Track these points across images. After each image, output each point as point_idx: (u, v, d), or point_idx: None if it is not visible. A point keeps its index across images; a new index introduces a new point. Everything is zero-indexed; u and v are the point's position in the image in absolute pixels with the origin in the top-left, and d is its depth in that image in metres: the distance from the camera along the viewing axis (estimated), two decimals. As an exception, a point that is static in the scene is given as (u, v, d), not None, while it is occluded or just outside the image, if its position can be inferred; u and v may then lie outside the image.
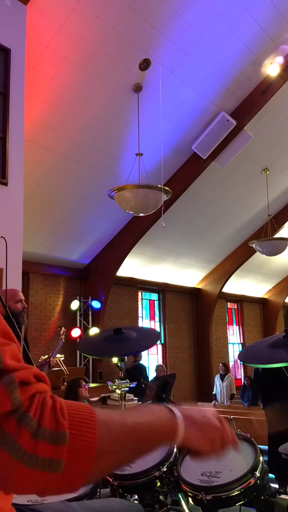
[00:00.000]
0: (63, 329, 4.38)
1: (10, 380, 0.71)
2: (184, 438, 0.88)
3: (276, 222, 10.29)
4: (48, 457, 0.70)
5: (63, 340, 4.24)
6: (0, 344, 0.76)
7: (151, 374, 9.44)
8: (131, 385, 2.42)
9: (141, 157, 6.59)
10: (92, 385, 7.76)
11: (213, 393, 10.10)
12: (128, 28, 5.86)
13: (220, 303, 13.21)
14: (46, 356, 3.95)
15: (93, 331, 8.67)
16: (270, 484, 1.83)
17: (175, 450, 1.94)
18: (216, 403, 9.81)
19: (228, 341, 13.81)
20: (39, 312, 8.51)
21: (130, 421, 0.82)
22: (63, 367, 6.22)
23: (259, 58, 7.11)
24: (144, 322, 11.07)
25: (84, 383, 4.79)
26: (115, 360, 2.35)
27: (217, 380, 10.09)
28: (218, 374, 10.08)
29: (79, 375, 6.19)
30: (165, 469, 1.86)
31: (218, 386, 9.98)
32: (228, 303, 14.20)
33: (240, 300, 14.62)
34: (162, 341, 11.41)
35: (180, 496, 2.03)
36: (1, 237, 1.83)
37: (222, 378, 9.89)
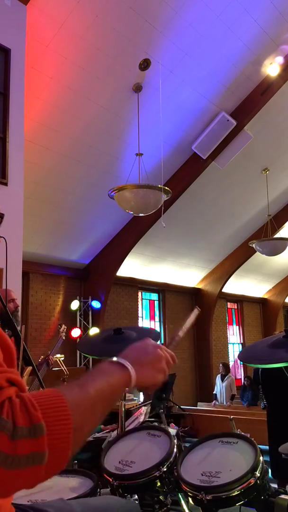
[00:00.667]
0: (63, 326, 4.38)
1: None
2: (138, 381, 0.96)
3: (276, 222, 10.29)
4: (30, 452, 0.71)
5: (63, 338, 4.25)
6: None
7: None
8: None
9: (141, 157, 6.59)
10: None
11: (213, 392, 10.11)
12: (128, 28, 5.86)
13: (220, 303, 13.20)
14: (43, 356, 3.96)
15: (93, 331, 8.68)
16: (270, 484, 1.83)
17: (175, 450, 1.95)
18: (216, 403, 9.82)
19: (228, 341, 13.81)
20: (39, 312, 8.51)
21: (91, 389, 0.85)
22: (63, 367, 6.23)
23: (259, 58, 7.11)
24: (144, 322, 11.07)
25: None
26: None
27: (218, 380, 10.12)
28: (219, 375, 10.10)
29: (79, 375, 6.19)
30: (165, 469, 1.86)
31: (219, 386, 9.99)
32: (228, 303, 14.19)
33: (240, 300, 14.61)
34: (162, 341, 11.41)
35: (180, 496, 2.03)
36: (1, 237, 1.83)
37: (223, 378, 9.90)
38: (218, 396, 10.00)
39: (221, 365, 10.24)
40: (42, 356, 3.96)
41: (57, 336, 4.34)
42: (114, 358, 0.97)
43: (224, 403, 9.66)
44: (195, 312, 1.47)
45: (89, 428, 0.85)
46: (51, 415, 0.75)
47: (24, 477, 0.72)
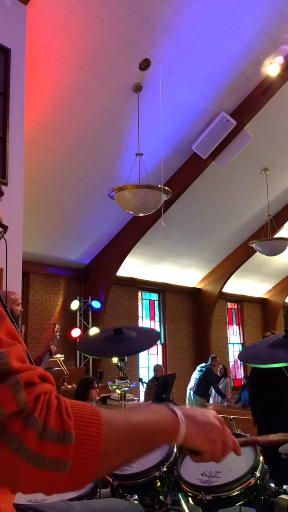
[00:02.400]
0: (57, 326, 4.41)
1: (16, 381, 0.72)
2: (186, 437, 0.88)
3: (276, 222, 10.29)
4: (55, 457, 0.71)
5: (58, 337, 4.28)
6: (6, 344, 0.76)
7: (150, 374, 9.43)
8: (131, 385, 2.42)
9: (141, 157, 6.59)
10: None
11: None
12: (128, 28, 5.86)
13: (220, 303, 13.21)
14: (38, 355, 4.00)
15: (93, 331, 8.68)
16: (270, 484, 1.83)
17: (175, 450, 1.95)
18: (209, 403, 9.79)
19: (228, 341, 13.81)
20: (39, 312, 8.51)
21: (133, 420, 0.82)
22: (63, 367, 6.23)
23: (259, 58, 7.11)
24: (144, 322, 11.07)
25: (97, 385, 4.77)
26: (115, 360, 2.35)
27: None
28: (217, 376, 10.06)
29: (79, 375, 6.19)
30: (165, 469, 1.86)
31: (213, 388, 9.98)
32: (228, 303, 14.20)
33: (240, 300, 14.62)
34: (162, 341, 11.41)
35: (180, 496, 2.03)
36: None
37: (218, 380, 9.91)
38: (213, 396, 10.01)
39: (221, 366, 10.23)
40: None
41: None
42: (171, 406, 0.91)
43: (218, 402, 9.64)
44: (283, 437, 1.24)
45: (118, 460, 0.81)
46: (83, 429, 0.74)
47: (44, 479, 0.72)
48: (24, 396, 0.72)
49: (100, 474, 0.78)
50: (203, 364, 9.41)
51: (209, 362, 9.45)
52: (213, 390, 9.87)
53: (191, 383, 9.30)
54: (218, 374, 9.96)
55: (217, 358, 9.88)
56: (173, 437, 0.88)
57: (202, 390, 9.22)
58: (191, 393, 9.18)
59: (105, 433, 0.75)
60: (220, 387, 9.78)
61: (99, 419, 0.76)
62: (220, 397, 9.64)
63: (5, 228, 1.11)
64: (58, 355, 4.16)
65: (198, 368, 9.45)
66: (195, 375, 9.33)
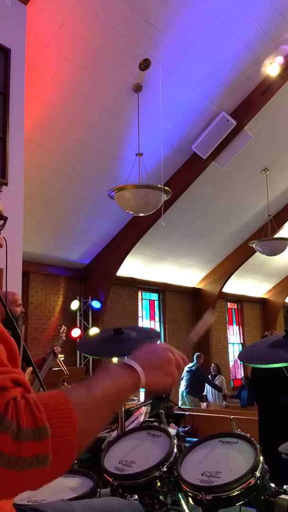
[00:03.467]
0: (63, 327, 4.38)
1: None
2: (148, 383, 0.95)
3: (276, 222, 10.29)
4: (35, 454, 0.71)
5: (64, 339, 4.26)
6: None
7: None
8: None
9: (141, 157, 6.59)
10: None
11: (203, 394, 9.99)
12: (128, 28, 5.86)
13: (220, 303, 13.20)
14: (42, 356, 3.98)
15: (93, 331, 8.68)
16: (270, 484, 1.83)
17: (175, 450, 1.95)
18: (208, 403, 9.79)
19: (228, 341, 13.81)
20: (39, 312, 8.51)
21: (98, 391, 0.84)
22: (63, 367, 6.23)
23: (259, 58, 7.11)
24: (144, 322, 11.07)
25: None
26: (115, 360, 2.35)
27: None
28: (210, 375, 10.09)
29: (79, 375, 6.19)
30: (165, 469, 1.85)
31: (209, 387, 10.00)
32: (228, 303, 14.20)
33: (240, 300, 14.61)
34: (162, 341, 11.40)
35: (180, 496, 2.03)
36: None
37: (213, 378, 9.94)
38: (210, 396, 10.02)
39: (213, 365, 10.29)
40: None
41: (57, 337, 4.35)
42: (123, 360, 0.96)
43: (217, 403, 9.65)
44: (211, 316, 1.41)
45: (94, 431, 0.84)
46: (56, 417, 0.74)
47: (28, 479, 0.72)
48: None
49: (81, 450, 0.80)
50: (190, 364, 9.44)
51: (195, 361, 9.47)
52: (210, 389, 9.87)
53: (182, 385, 9.33)
54: (212, 372, 10.02)
55: (202, 356, 9.94)
56: (136, 389, 0.94)
57: (195, 389, 9.31)
58: (184, 394, 9.23)
59: (77, 414, 0.76)
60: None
61: (68, 403, 0.77)
62: (218, 398, 9.66)
63: (5, 219, 1.11)
64: (58, 355, 4.14)
65: (186, 368, 9.42)
66: (185, 375, 9.37)
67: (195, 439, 2.14)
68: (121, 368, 0.93)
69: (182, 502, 2.04)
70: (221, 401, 9.62)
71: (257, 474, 1.72)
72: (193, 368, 9.30)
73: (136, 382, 0.93)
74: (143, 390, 0.98)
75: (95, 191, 7.62)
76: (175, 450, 1.94)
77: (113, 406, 0.88)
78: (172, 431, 2.31)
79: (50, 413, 0.74)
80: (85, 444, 0.81)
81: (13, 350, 0.88)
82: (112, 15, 5.66)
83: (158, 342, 1.08)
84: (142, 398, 8.88)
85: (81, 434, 0.76)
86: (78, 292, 9.31)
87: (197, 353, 9.82)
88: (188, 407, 8.48)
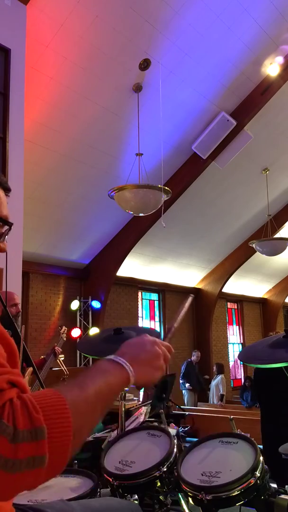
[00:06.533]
0: (64, 328, 4.38)
1: None
2: (137, 378, 0.96)
3: (276, 222, 10.29)
4: (31, 455, 0.71)
5: (64, 339, 4.25)
6: None
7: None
8: (131, 385, 2.41)
9: (141, 157, 6.59)
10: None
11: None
12: (128, 28, 5.86)
13: (220, 303, 13.20)
14: (43, 357, 3.97)
15: (93, 331, 8.68)
16: (270, 484, 1.83)
17: (175, 450, 1.95)
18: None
19: (228, 341, 13.81)
20: (39, 312, 8.51)
21: (90, 390, 0.85)
22: (63, 367, 6.22)
23: (259, 58, 7.11)
24: (144, 322, 11.07)
25: None
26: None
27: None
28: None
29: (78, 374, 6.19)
30: (165, 469, 1.85)
31: (213, 384, 10.07)
32: (228, 303, 14.20)
33: (240, 300, 14.61)
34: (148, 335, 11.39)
35: (180, 496, 2.03)
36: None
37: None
38: (210, 396, 10.05)
39: (216, 364, 10.38)
40: (42, 356, 3.97)
41: (57, 337, 4.34)
42: (112, 356, 0.96)
43: (215, 402, 9.67)
44: (189, 299, 1.46)
45: (88, 429, 0.85)
46: (52, 418, 0.74)
47: (25, 480, 0.72)
48: None
49: (76, 450, 0.80)
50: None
51: (191, 358, 10.13)
52: (213, 391, 9.90)
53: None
54: (215, 372, 10.13)
55: (198, 352, 10.35)
56: (126, 385, 0.95)
57: (187, 379, 9.78)
58: (183, 391, 9.77)
59: (73, 415, 0.77)
60: (213, 383, 9.92)
61: (64, 402, 0.77)
62: (216, 399, 9.71)
63: (10, 225, 1.12)
64: (59, 355, 4.14)
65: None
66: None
67: (195, 439, 2.14)
68: (110, 365, 0.94)
69: (182, 502, 2.04)
70: (217, 401, 9.65)
71: (257, 474, 1.72)
72: (184, 364, 10.01)
73: (125, 379, 0.94)
74: (133, 385, 0.99)
75: (95, 191, 7.62)
76: (175, 450, 1.94)
77: (105, 404, 0.88)
78: (172, 431, 2.31)
79: (46, 413, 0.74)
80: (79, 444, 0.81)
81: (12, 351, 0.88)
82: (112, 15, 5.66)
83: (144, 336, 1.07)
84: (141, 398, 8.88)
85: (75, 434, 0.77)
86: (78, 292, 9.31)
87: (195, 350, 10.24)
88: (189, 407, 8.52)
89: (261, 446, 1.92)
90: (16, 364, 0.89)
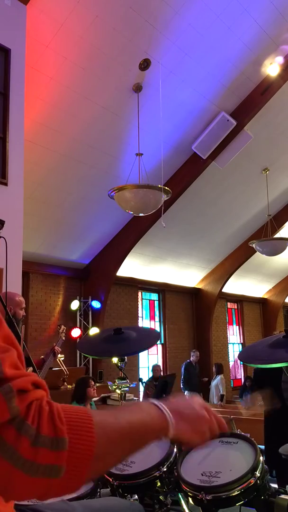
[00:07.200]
0: (62, 327, 4.37)
1: (8, 389, 0.72)
2: (175, 433, 0.90)
3: (276, 222, 10.29)
4: (48, 463, 0.71)
5: (63, 338, 4.24)
6: (1, 351, 0.76)
7: (150, 374, 9.44)
8: (131, 385, 2.42)
9: (141, 157, 6.59)
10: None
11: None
12: (128, 28, 5.86)
13: (220, 303, 13.21)
14: (42, 357, 3.96)
15: (93, 331, 8.68)
16: (270, 484, 1.83)
17: (175, 450, 1.94)
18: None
19: (228, 341, 13.81)
20: (39, 312, 8.51)
21: (124, 421, 0.83)
22: (63, 367, 6.22)
23: (259, 58, 7.11)
24: (144, 322, 11.07)
25: (93, 383, 4.78)
26: (115, 360, 2.35)
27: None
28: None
29: (79, 375, 6.18)
30: (165, 469, 1.85)
31: (213, 384, 10.09)
32: (228, 303, 14.20)
33: (240, 300, 14.61)
34: (162, 341, 11.41)
35: (180, 496, 2.03)
36: (1, 237, 1.83)
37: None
38: (210, 397, 10.05)
39: (215, 364, 10.38)
40: (41, 357, 3.96)
41: (57, 337, 4.34)
42: (156, 401, 0.92)
43: (215, 403, 9.68)
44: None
45: (113, 460, 0.82)
46: (75, 432, 0.74)
47: (38, 486, 0.72)
48: (17, 404, 0.71)
49: (93, 477, 0.79)
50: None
51: (190, 359, 10.07)
52: (213, 391, 9.91)
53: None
54: (214, 372, 10.13)
55: (197, 352, 10.29)
56: (163, 435, 0.90)
57: (188, 384, 9.68)
58: (185, 392, 9.60)
59: (97, 437, 0.75)
60: (213, 384, 9.93)
61: (91, 422, 0.76)
62: (216, 399, 9.72)
63: (2, 223, 1.11)
64: (58, 355, 4.13)
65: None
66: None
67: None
68: (153, 409, 0.89)
69: (182, 502, 2.04)
70: (217, 401, 9.66)
71: (257, 474, 1.72)
72: (184, 365, 9.90)
73: (164, 429, 0.89)
74: (168, 440, 0.93)
75: (95, 191, 7.62)
76: (175, 450, 1.94)
77: (134, 444, 0.85)
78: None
79: (71, 428, 0.74)
80: (100, 470, 0.78)
81: (20, 354, 0.88)
82: (112, 15, 5.66)
83: (195, 398, 1.02)
84: (141, 398, 8.89)
85: (98, 457, 0.75)
86: (78, 292, 9.31)
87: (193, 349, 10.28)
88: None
89: (261, 446, 1.92)
90: (23, 365, 0.90)
